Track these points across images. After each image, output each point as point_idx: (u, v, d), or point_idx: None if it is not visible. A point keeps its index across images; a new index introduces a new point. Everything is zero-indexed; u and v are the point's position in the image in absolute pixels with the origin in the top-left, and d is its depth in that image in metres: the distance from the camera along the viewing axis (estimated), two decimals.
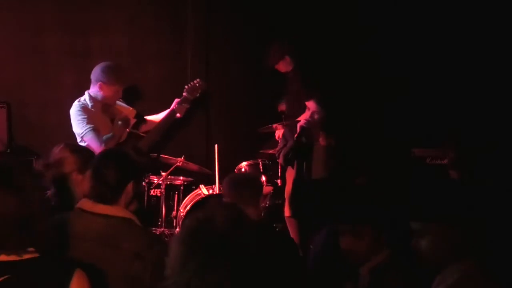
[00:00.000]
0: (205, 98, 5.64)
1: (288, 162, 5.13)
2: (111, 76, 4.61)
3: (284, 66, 5.39)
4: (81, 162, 3.14)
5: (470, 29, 5.84)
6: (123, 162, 2.69)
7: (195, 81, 5.05)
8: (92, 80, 4.65)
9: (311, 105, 4.90)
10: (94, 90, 4.64)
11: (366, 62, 6.03)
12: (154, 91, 5.85)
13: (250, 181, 3.28)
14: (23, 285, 1.83)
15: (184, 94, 4.98)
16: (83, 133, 4.54)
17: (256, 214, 3.04)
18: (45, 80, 5.59)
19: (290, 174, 5.17)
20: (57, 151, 3.26)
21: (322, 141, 4.90)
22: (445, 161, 4.88)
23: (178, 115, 4.93)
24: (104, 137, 4.53)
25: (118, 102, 4.87)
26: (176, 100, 4.95)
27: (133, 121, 4.85)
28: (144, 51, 5.86)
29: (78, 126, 4.56)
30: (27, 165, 2.07)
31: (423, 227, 2.09)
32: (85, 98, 4.67)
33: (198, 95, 5.07)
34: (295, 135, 5.01)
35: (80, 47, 5.62)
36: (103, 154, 2.85)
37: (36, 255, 1.89)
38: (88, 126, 4.52)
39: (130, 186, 2.65)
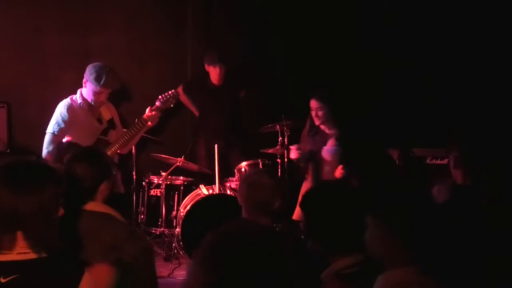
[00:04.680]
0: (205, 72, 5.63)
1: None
2: (94, 76, 4.62)
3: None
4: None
5: (470, 29, 5.84)
6: (95, 162, 2.70)
7: (170, 92, 4.99)
8: (84, 80, 4.73)
9: (312, 103, 4.87)
10: (84, 88, 4.73)
11: (366, 62, 6.04)
12: (154, 91, 5.84)
13: (264, 186, 2.85)
14: (31, 285, 1.84)
15: (157, 103, 4.90)
16: (47, 132, 4.64)
17: (269, 222, 2.79)
18: (45, 80, 5.58)
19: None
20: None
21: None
22: (445, 161, 4.88)
23: (149, 123, 4.85)
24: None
25: (106, 102, 4.86)
26: (149, 108, 4.88)
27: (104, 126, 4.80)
28: (144, 51, 5.86)
29: (51, 122, 4.67)
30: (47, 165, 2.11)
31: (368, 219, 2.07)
32: (77, 96, 4.75)
33: (172, 105, 5.01)
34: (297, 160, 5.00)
35: (80, 47, 5.62)
36: (74, 155, 2.79)
37: (44, 255, 1.89)
38: (53, 130, 4.60)
39: (104, 186, 2.69)
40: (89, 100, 4.71)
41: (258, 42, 6.12)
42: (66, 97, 5.31)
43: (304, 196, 2.49)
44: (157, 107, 4.87)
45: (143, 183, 5.39)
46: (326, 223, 2.31)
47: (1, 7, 5.45)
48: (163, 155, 5.32)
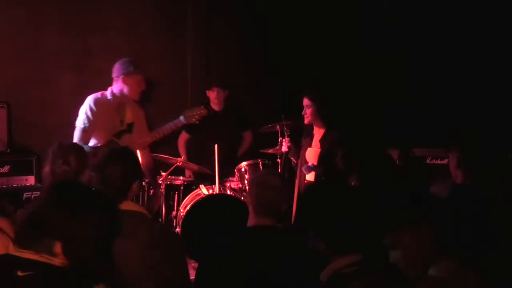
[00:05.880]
0: (206, 98, 5.64)
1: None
2: (130, 66, 4.72)
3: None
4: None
5: (470, 30, 5.85)
6: (128, 163, 2.73)
7: (197, 110, 4.92)
8: (114, 78, 4.76)
9: (304, 101, 4.86)
10: (117, 86, 4.75)
11: (366, 62, 6.05)
12: (154, 91, 5.85)
13: (273, 186, 2.81)
14: (43, 286, 1.82)
15: (181, 118, 4.87)
16: (77, 125, 4.61)
17: (274, 222, 2.77)
18: (45, 80, 5.58)
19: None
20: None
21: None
22: (445, 161, 4.88)
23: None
24: None
25: (134, 105, 4.87)
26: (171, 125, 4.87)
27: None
28: (144, 51, 5.86)
29: (79, 117, 4.65)
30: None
31: (393, 239, 2.08)
32: (107, 92, 4.77)
33: (196, 122, 4.95)
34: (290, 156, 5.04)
35: (80, 47, 5.62)
36: (107, 155, 2.83)
37: (66, 262, 1.88)
38: (84, 124, 4.58)
39: (135, 186, 2.76)
40: (130, 94, 4.73)
41: (258, 42, 6.13)
42: (66, 97, 5.33)
43: (304, 195, 2.50)
44: (178, 121, 4.88)
45: (143, 183, 5.39)
46: (325, 222, 2.31)
47: (1, 7, 5.44)
48: (163, 155, 5.32)
